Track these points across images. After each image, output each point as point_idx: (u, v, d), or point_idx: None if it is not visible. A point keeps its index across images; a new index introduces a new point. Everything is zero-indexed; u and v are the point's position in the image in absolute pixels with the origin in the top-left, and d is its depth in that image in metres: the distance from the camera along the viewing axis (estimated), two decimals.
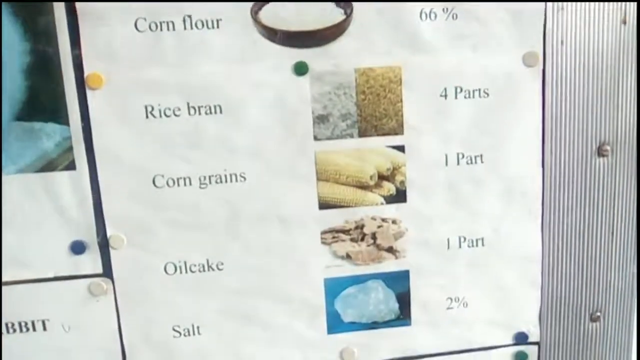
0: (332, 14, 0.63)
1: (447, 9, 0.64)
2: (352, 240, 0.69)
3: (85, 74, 0.61)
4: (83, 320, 0.67)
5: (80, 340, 0.67)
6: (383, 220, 0.69)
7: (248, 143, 0.65)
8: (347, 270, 0.70)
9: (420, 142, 0.67)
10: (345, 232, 0.69)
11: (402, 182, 0.68)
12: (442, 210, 0.69)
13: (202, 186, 0.65)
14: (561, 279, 0.73)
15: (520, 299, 0.73)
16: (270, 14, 0.62)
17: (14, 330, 0.66)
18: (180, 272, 0.67)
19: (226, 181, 0.66)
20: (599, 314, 0.75)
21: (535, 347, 0.75)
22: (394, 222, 0.69)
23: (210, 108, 0.64)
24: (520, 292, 0.73)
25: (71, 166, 0.63)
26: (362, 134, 0.66)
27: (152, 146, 0.64)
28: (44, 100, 0.62)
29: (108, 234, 0.65)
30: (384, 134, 0.67)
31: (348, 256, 0.69)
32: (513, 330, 0.74)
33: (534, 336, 0.75)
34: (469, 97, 0.67)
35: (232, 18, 0.62)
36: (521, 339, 0.74)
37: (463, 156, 0.68)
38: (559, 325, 0.75)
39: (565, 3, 0.67)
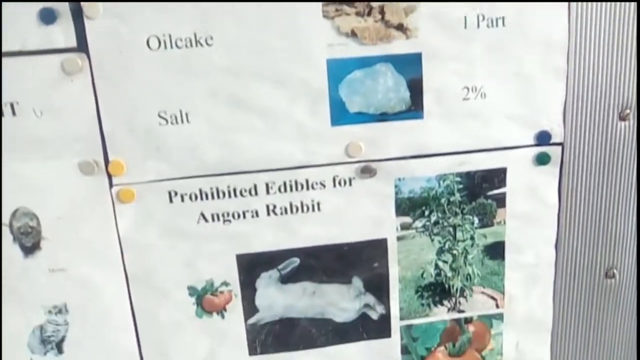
0: None
1: None
2: (357, 14, 0.61)
3: None
4: (56, 103, 0.59)
5: (53, 127, 0.60)
6: None
7: None
8: (352, 50, 0.62)
9: None
10: (350, 4, 0.61)
11: None
12: None
13: None
14: (589, 71, 0.66)
15: (543, 91, 0.65)
16: None
17: None
18: (165, 48, 0.59)
19: None
20: (628, 111, 0.68)
21: (559, 149, 0.68)
22: None
23: None
24: (543, 82, 0.65)
25: None
26: None
27: None
28: None
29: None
30: None
31: (353, 33, 0.61)
32: (535, 128, 0.67)
33: (557, 136, 0.67)
34: None
35: None
36: (543, 138, 0.67)
37: None
38: (585, 125, 0.68)
39: None
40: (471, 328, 0.73)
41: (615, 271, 0.74)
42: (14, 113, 0.59)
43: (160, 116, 0.61)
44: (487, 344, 0.75)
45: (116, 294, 0.66)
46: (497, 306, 0.73)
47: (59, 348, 0.67)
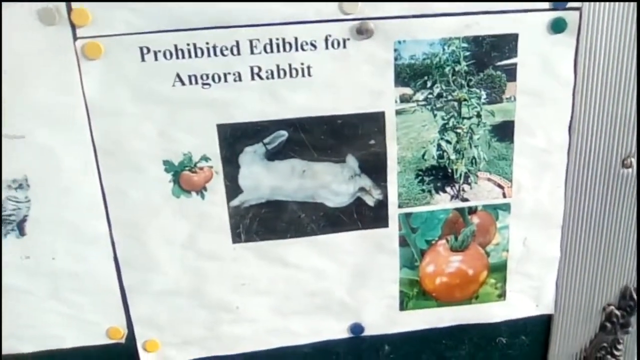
0: None
1: None
2: None
3: None
4: None
5: None
6: None
7: None
8: None
9: None
10: None
11: None
12: None
13: None
14: None
15: None
16: None
17: None
18: None
19: None
20: None
21: (576, 14, 0.61)
22: None
23: None
24: None
25: None
26: None
27: None
28: None
29: None
30: None
31: None
32: None
33: None
34: None
35: None
36: (560, 1, 0.61)
37: None
38: None
39: None
40: (475, 219, 0.67)
41: (632, 160, 0.68)
42: None
43: None
44: (492, 238, 0.68)
45: (82, 168, 0.59)
46: (504, 195, 0.67)
47: (20, 229, 0.60)
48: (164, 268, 0.63)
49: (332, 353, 0.72)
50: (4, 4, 0.53)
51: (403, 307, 0.70)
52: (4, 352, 0.65)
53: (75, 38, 0.55)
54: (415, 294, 0.69)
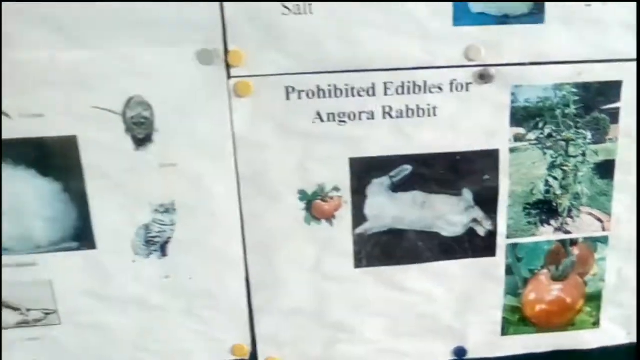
0: None
1: None
2: None
3: None
4: None
5: (174, 11, 0.57)
6: None
7: None
8: None
9: None
10: None
11: None
12: None
13: None
14: None
15: None
16: None
17: None
18: None
19: None
20: None
21: None
22: None
23: None
24: None
25: None
26: None
27: None
28: None
29: None
30: None
31: None
32: None
33: None
34: None
35: None
36: None
37: None
38: None
39: None
40: (576, 251, 0.72)
41: None
42: None
43: (283, 5, 0.60)
44: (591, 269, 0.72)
45: (226, 195, 0.64)
46: (603, 229, 0.71)
47: (163, 250, 0.65)
48: (291, 289, 0.68)
49: None
50: (166, 48, 0.59)
51: (504, 332, 0.74)
52: None
53: (229, 77, 0.61)
54: (516, 320, 0.73)
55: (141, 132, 0.61)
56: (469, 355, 0.74)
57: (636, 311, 0.74)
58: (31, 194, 0.62)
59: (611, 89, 0.67)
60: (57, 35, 0.58)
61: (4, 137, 0.60)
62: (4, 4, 0.56)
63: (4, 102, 0.59)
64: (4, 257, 0.64)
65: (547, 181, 0.69)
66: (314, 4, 0.59)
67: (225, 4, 0.58)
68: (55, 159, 0.61)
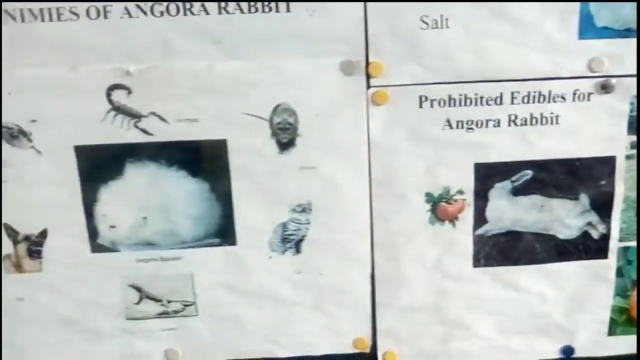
0: None
1: None
2: None
3: None
4: (327, 3, 0.62)
5: (323, 26, 0.62)
6: None
7: None
8: None
9: None
10: None
11: None
12: None
13: None
14: None
15: None
16: None
17: None
18: None
19: None
20: None
21: None
22: None
23: None
24: None
25: None
26: None
27: None
28: None
29: None
30: None
31: None
32: None
33: None
34: None
35: None
36: None
37: None
38: None
39: None
40: None
41: None
42: (288, 9, 0.63)
43: (422, 20, 0.64)
44: None
45: (358, 196, 0.68)
46: None
47: (297, 247, 0.69)
48: (412, 286, 0.72)
49: None
50: (313, 59, 0.64)
51: (611, 332, 0.76)
52: (260, 356, 0.74)
53: (368, 87, 0.65)
54: (623, 320, 0.76)
55: (285, 136, 0.66)
56: (577, 354, 0.77)
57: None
58: (181, 193, 0.67)
59: None
60: (216, 47, 0.63)
61: (161, 139, 0.65)
62: None
63: (162, 107, 0.65)
64: (150, 252, 0.69)
65: None
66: (450, 18, 0.64)
67: (369, 19, 0.63)
68: (205, 161, 0.66)
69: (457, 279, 0.72)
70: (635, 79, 0.67)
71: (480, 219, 0.71)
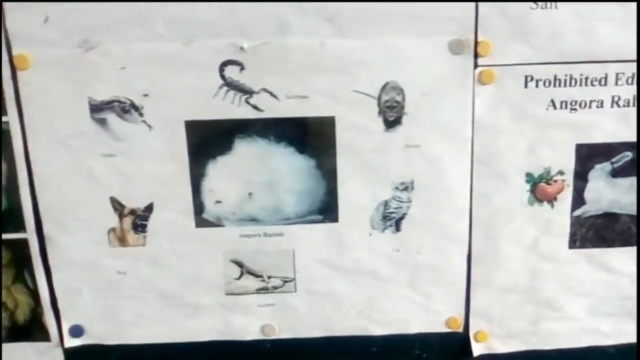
0: None
1: None
2: None
3: None
4: None
5: (432, 4, 0.63)
6: None
7: None
8: None
9: None
10: None
11: None
12: None
13: None
14: None
15: None
16: None
17: None
18: None
19: None
20: None
21: None
22: None
23: None
24: None
25: None
26: None
27: None
28: None
29: None
30: None
31: None
32: None
33: None
34: None
35: None
36: None
37: None
38: None
39: None
40: None
41: None
42: None
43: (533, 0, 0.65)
44: None
45: (460, 175, 0.69)
46: None
47: (397, 225, 0.70)
48: (508, 266, 0.73)
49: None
50: (422, 38, 0.64)
51: None
52: (354, 332, 0.75)
53: (475, 66, 0.66)
54: None
55: (392, 114, 0.67)
56: None
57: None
58: (288, 169, 0.68)
59: None
60: (328, 24, 0.64)
61: (271, 116, 0.66)
62: None
63: (273, 84, 0.65)
64: (254, 227, 0.70)
65: None
66: None
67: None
68: (313, 138, 0.67)
69: (552, 260, 0.73)
70: None
71: (578, 200, 0.71)
